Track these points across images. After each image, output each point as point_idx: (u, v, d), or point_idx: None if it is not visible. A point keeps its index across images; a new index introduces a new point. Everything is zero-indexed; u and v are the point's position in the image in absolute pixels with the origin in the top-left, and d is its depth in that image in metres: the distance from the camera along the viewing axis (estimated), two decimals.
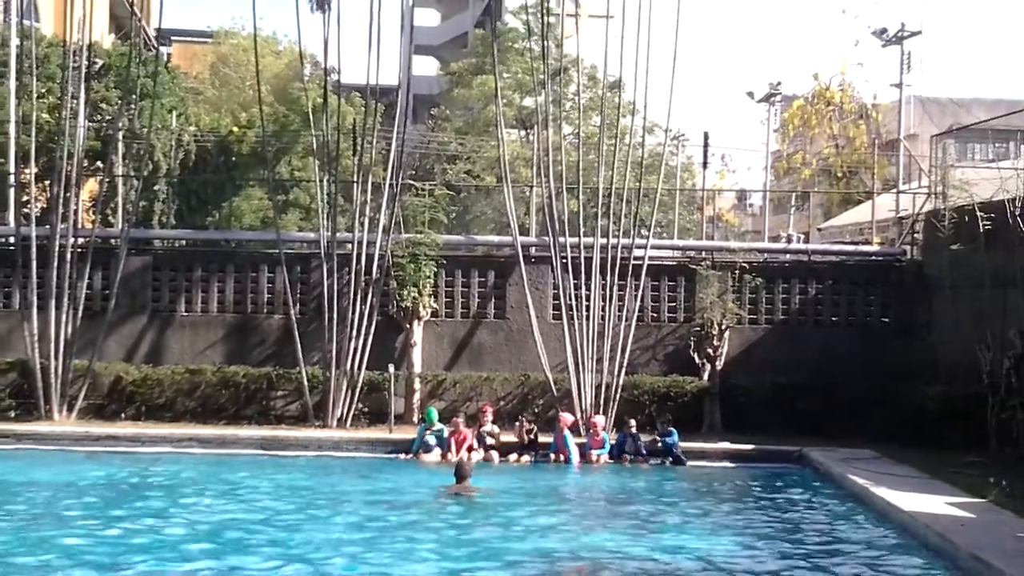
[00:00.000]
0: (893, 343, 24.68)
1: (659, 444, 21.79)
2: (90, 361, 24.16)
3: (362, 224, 24.58)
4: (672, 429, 21.92)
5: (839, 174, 45.97)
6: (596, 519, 16.84)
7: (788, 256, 28.17)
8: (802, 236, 38.24)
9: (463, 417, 22.35)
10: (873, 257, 27.29)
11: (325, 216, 24.99)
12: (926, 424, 21.81)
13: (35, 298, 24.00)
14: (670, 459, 21.62)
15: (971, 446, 20.62)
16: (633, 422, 22.18)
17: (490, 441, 21.92)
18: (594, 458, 21.62)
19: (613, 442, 22.01)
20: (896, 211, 30.18)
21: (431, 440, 21.76)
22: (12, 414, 23.94)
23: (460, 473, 18.10)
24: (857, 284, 25.84)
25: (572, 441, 21.79)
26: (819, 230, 43.64)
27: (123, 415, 24.28)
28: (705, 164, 33.69)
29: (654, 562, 13.59)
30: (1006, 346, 21.47)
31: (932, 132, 31.44)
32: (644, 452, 21.78)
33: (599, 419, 22.55)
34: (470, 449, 21.68)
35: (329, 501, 17.33)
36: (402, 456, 21.63)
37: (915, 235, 26.47)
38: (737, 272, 25.45)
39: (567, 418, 22.24)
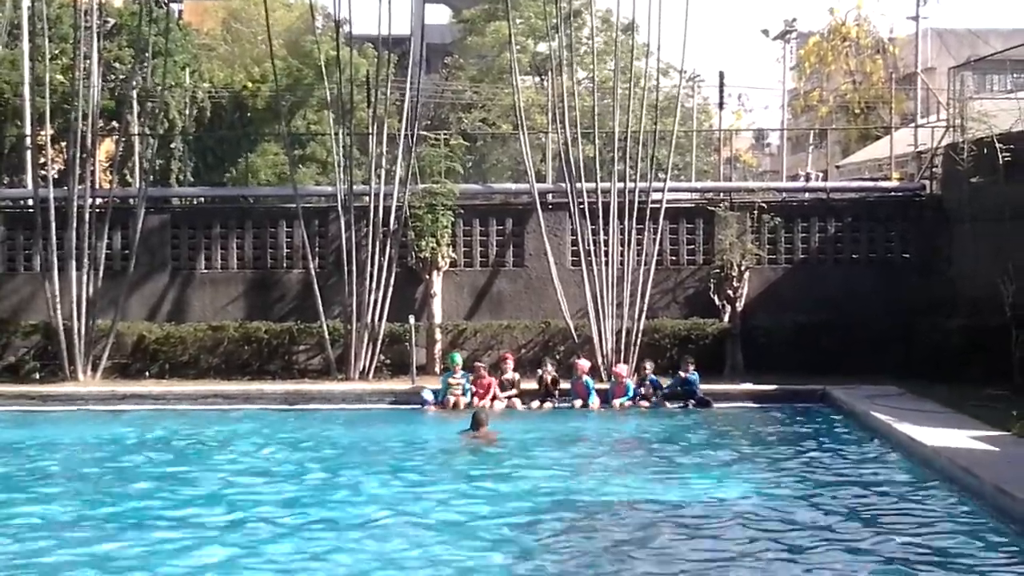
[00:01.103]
0: (914, 279, 24.57)
1: (680, 389, 21.79)
2: (113, 321, 24.28)
3: (378, 176, 24.56)
4: (694, 371, 21.91)
5: (857, 110, 45.55)
6: (618, 463, 16.87)
7: (807, 195, 27.99)
8: (821, 174, 37.93)
9: (486, 364, 22.40)
10: (892, 193, 27.10)
11: (341, 169, 24.97)
12: (948, 359, 21.79)
13: (55, 260, 24.08)
14: (692, 401, 21.64)
15: (994, 379, 20.59)
16: (649, 365, 22.21)
17: (511, 391, 21.97)
18: (617, 405, 21.66)
19: (635, 388, 22.04)
20: (915, 146, 29.94)
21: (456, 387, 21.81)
22: (37, 376, 24.15)
23: (476, 421, 18.24)
24: (877, 220, 25.70)
25: (593, 385, 21.86)
26: (838, 167, 43.38)
27: (147, 373, 24.44)
28: (721, 105, 33.49)
29: (677, 505, 13.64)
30: None
31: (950, 64, 31.09)
32: (664, 394, 21.81)
33: (622, 368, 22.56)
34: (493, 397, 21.76)
35: (352, 452, 17.49)
36: (431, 409, 21.60)
37: (934, 169, 26.27)
38: (756, 212, 25.33)
39: (584, 364, 22.28)
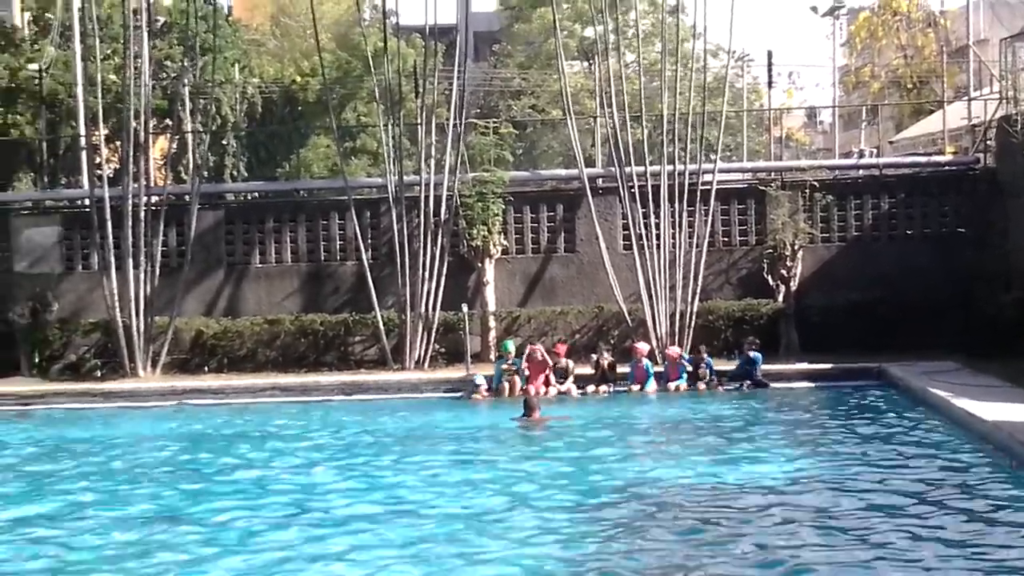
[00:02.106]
0: (969, 253, 24.31)
1: (745, 369, 21.70)
2: (171, 317, 24.57)
3: (428, 166, 24.66)
4: (757, 351, 21.83)
5: (909, 85, 45.08)
6: (677, 446, 16.84)
7: (859, 171, 27.79)
8: (874, 150, 37.64)
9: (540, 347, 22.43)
10: (946, 167, 26.83)
11: (391, 160, 25.08)
12: (1004, 333, 21.55)
13: (112, 258, 24.38)
14: (749, 383, 21.59)
15: None
16: (704, 348, 22.19)
17: (567, 380, 21.94)
18: (672, 388, 21.66)
19: (689, 370, 22.03)
20: (968, 119, 29.60)
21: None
22: (98, 373, 24.50)
23: (528, 406, 18.33)
24: (930, 195, 25.47)
25: (652, 369, 21.87)
26: (891, 143, 42.96)
27: (206, 368, 24.73)
28: (770, 84, 33.09)
29: (738, 487, 13.61)
30: None
31: (1002, 36, 30.68)
32: (732, 375, 21.78)
33: (675, 350, 22.54)
34: (547, 383, 21.80)
35: (408, 441, 17.59)
36: (480, 394, 21.69)
37: (988, 142, 25.97)
38: (808, 191, 25.19)
39: (643, 347, 22.31)
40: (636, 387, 21.72)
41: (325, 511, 12.99)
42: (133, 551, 11.44)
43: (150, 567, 10.87)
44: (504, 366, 21.94)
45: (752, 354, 21.78)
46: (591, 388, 21.86)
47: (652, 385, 21.69)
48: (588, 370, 22.25)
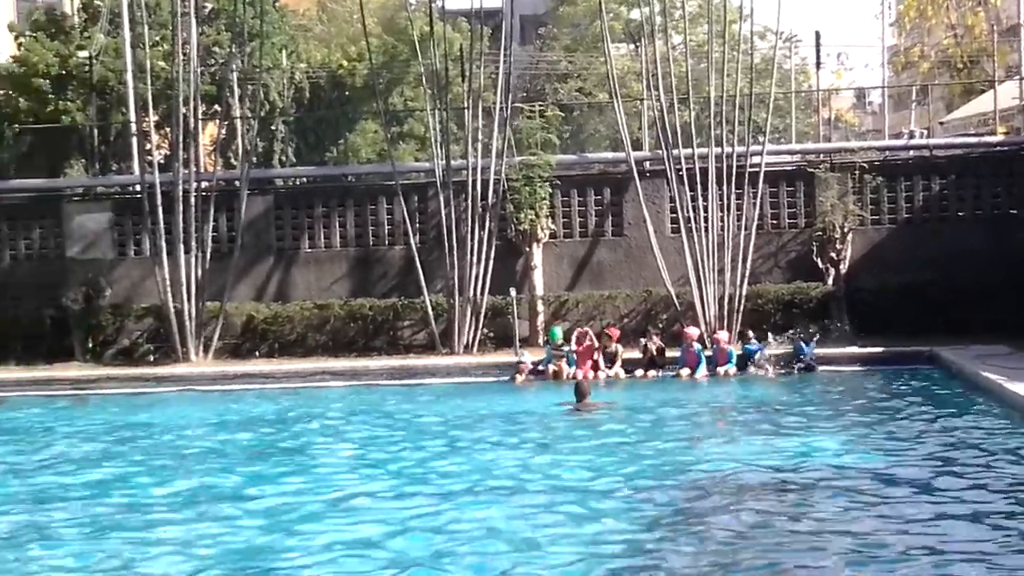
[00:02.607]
0: (1021, 235, 24.05)
1: (800, 357, 21.61)
2: (222, 302, 24.76)
3: (475, 150, 24.69)
4: (813, 340, 21.74)
5: (959, 65, 44.63)
6: (728, 431, 16.85)
7: (909, 153, 27.56)
8: (924, 131, 37.34)
9: (589, 332, 22.42)
10: (997, 148, 26.56)
11: (438, 144, 25.13)
12: None
13: (163, 243, 24.59)
14: (800, 366, 21.49)
15: None
16: (751, 333, 22.11)
17: (616, 364, 21.95)
18: (722, 372, 21.61)
19: (739, 353, 21.97)
20: (1020, 99, 29.29)
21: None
22: (151, 358, 24.77)
23: (579, 391, 18.32)
24: (981, 177, 25.22)
25: (704, 354, 21.82)
26: (941, 124, 42.56)
27: (257, 353, 24.93)
28: (819, 64, 32.88)
29: (790, 471, 13.53)
30: None
31: None
32: (768, 361, 21.68)
33: (723, 334, 22.49)
34: (595, 367, 21.83)
35: (458, 425, 17.63)
36: (526, 375, 21.71)
37: None
38: (857, 173, 24.99)
39: (693, 332, 22.27)
40: (686, 372, 21.67)
41: (358, 496, 13.03)
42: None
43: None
44: (554, 352, 21.97)
45: (807, 344, 21.68)
46: (639, 373, 21.85)
47: (703, 370, 21.63)
48: (636, 354, 22.23)
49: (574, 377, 20.89)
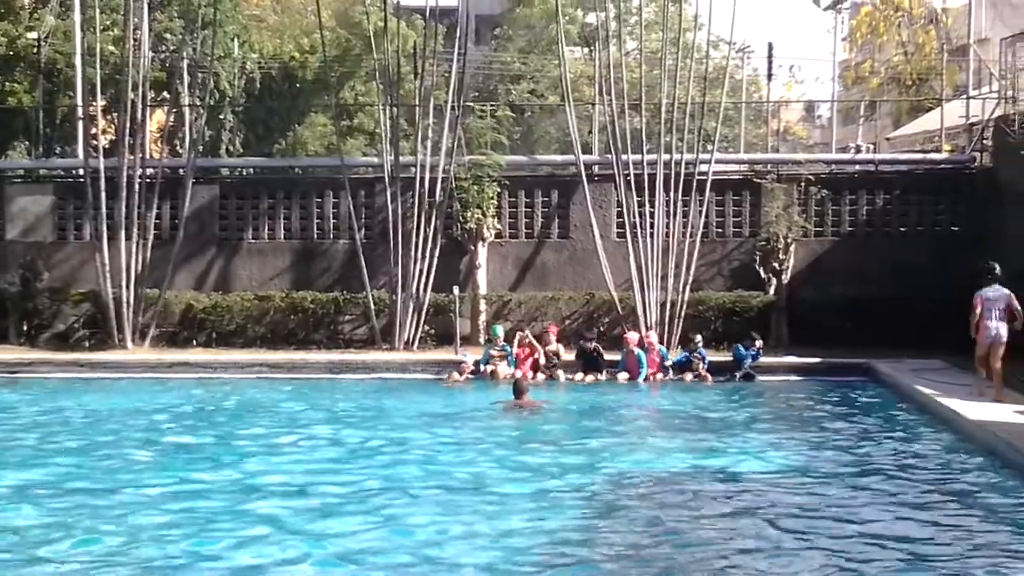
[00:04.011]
0: (963, 252, 24.19)
1: (740, 360, 21.71)
2: (161, 290, 24.54)
3: (425, 147, 24.64)
4: (757, 346, 21.83)
5: (908, 82, 45.02)
6: (657, 435, 16.84)
7: (855, 167, 27.79)
8: (871, 146, 37.63)
9: (529, 335, 22.45)
10: (942, 165, 26.84)
11: (388, 140, 25.05)
12: None
13: (105, 229, 24.36)
14: (738, 375, 21.59)
15: None
16: (699, 338, 22.19)
17: (555, 363, 22.03)
18: (653, 377, 21.69)
19: (675, 358, 22.09)
20: (966, 118, 29.57)
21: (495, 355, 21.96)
22: (87, 344, 24.49)
23: (517, 388, 18.34)
24: (926, 193, 25.48)
25: (645, 358, 21.87)
26: (888, 140, 42.88)
27: (195, 342, 24.72)
28: (770, 76, 33.15)
29: (713, 476, 13.66)
30: None
31: (1004, 35, 30.63)
32: (708, 368, 21.76)
33: (653, 336, 22.60)
34: (535, 367, 21.86)
35: (389, 421, 17.58)
36: (464, 375, 21.65)
37: (985, 141, 25.97)
38: (803, 184, 25.19)
39: (633, 336, 22.32)
40: (624, 375, 21.72)
41: (279, 485, 13.02)
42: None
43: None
44: (493, 351, 21.98)
45: (748, 351, 21.77)
46: (578, 375, 21.88)
47: (643, 374, 21.68)
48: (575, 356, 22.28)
49: (512, 377, 20.88)
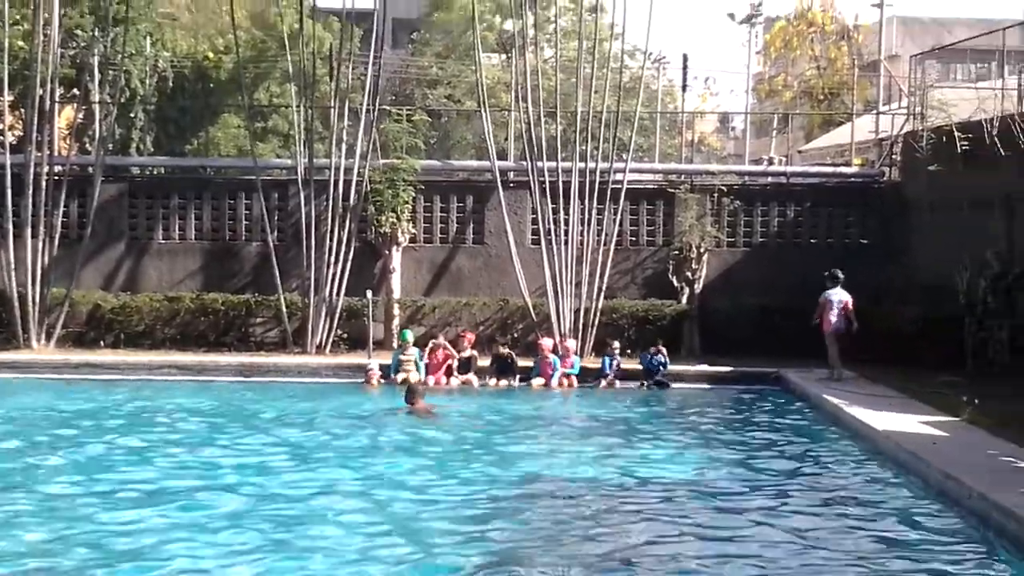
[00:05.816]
0: (871, 264, 24.68)
1: (650, 368, 21.83)
2: (67, 289, 24.09)
3: (340, 150, 24.47)
4: (659, 352, 21.96)
5: (820, 96, 45.74)
6: (570, 442, 16.83)
7: (767, 179, 28.13)
8: (783, 159, 38.12)
9: (443, 338, 22.38)
10: (852, 179, 27.28)
11: (302, 142, 24.85)
12: (903, 345, 21.93)
13: (11, 227, 23.88)
14: (651, 382, 21.72)
15: (948, 366, 20.73)
16: (616, 344, 22.28)
17: (469, 369, 21.96)
18: (565, 383, 21.73)
19: (588, 365, 22.18)
20: (876, 133, 30.08)
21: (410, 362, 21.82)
22: None
23: (410, 391, 18.12)
24: (836, 206, 25.85)
25: (559, 365, 21.89)
26: (800, 152, 43.52)
27: (102, 343, 24.28)
28: (685, 87, 33.53)
29: (620, 484, 13.65)
30: (984, 267, 21.52)
31: (914, 52, 31.20)
32: (620, 375, 21.87)
33: (571, 343, 22.66)
34: (448, 373, 21.81)
35: (289, 426, 17.32)
36: (374, 381, 21.49)
37: (894, 156, 26.42)
38: (716, 195, 25.42)
39: (548, 343, 22.34)
40: (539, 381, 21.73)
41: (178, 491, 12.78)
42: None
43: None
44: (402, 356, 21.86)
45: (655, 358, 21.92)
46: (492, 381, 21.85)
47: (556, 381, 21.72)
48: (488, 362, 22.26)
49: (424, 383, 20.77)
